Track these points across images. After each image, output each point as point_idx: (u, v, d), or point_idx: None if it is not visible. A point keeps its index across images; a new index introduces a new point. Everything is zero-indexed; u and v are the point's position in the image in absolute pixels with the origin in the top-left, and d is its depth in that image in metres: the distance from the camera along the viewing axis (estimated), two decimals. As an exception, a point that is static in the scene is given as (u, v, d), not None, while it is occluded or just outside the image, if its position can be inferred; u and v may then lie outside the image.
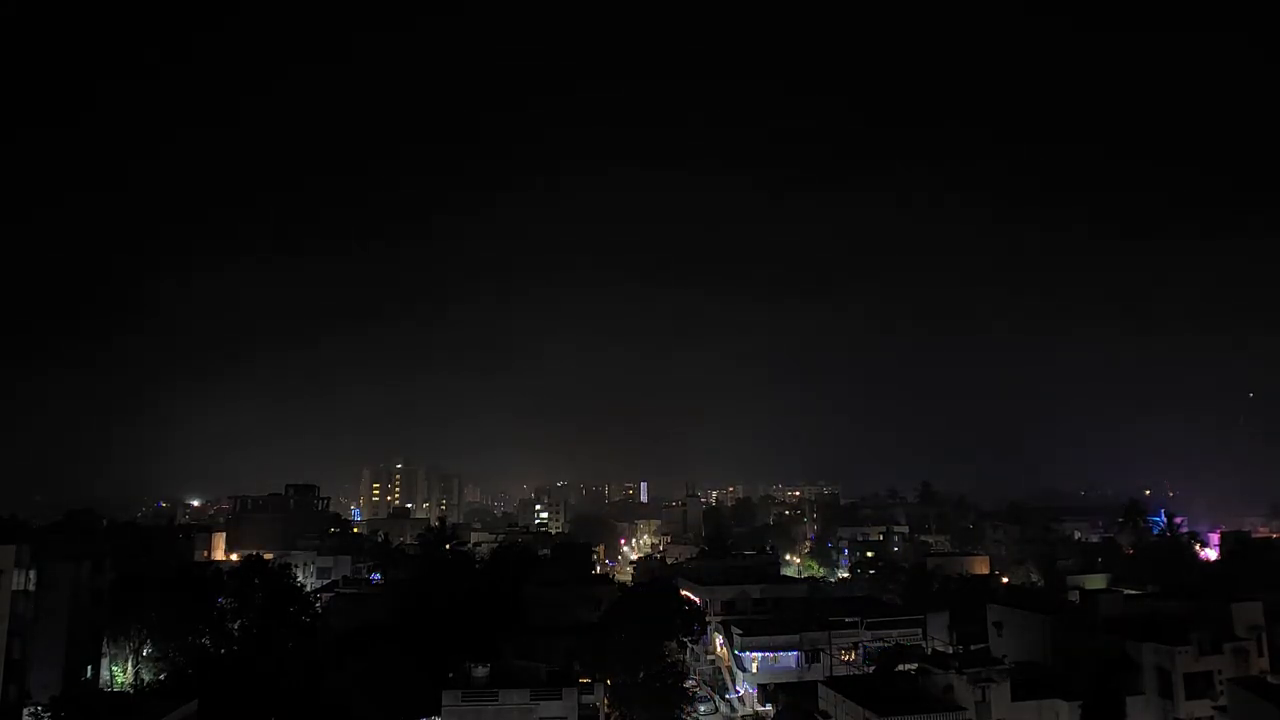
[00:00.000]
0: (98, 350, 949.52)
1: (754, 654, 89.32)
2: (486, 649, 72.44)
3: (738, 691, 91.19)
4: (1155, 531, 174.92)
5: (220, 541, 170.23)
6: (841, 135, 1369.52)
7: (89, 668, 73.97)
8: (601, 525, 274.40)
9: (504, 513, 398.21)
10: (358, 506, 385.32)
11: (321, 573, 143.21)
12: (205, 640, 76.98)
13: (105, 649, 78.46)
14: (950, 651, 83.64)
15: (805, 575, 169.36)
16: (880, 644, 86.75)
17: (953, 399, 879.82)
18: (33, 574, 63.28)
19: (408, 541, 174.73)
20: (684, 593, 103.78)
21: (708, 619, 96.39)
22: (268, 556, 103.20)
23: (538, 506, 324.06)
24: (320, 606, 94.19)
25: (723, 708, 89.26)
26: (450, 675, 65.72)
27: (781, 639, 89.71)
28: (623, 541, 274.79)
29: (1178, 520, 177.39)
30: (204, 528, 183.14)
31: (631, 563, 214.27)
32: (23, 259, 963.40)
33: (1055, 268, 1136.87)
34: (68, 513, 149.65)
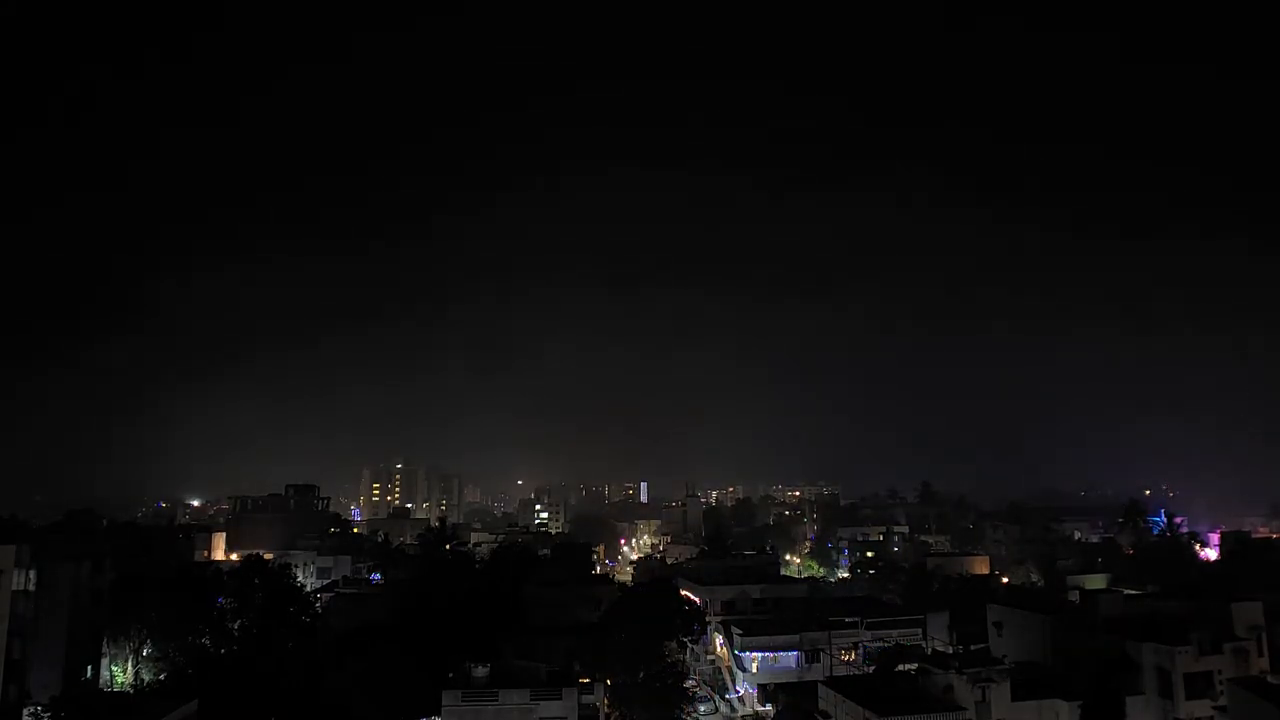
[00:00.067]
0: (98, 350, 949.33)
1: (754, 654, 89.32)
2: (486, 649, 72.44)
3: (738, 691, 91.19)
4: (1155, 531, 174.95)
5: (220, 541, 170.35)
6: (841, 135, 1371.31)
7: (89, 668, 73.96)
8: (601, 525, 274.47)
9: (504, 513, 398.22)
10: (358, 506, 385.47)
11: (321, 573, 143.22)
12: (205, 640, 76.94)
13: (105, 649, 78.44)
14: (950, 651, 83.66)
15: (805, 575, 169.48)
16: (880, 644, 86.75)
17: (953, 399, 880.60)
18: (33, 574, 63.27)
19: (408, 541, 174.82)
20: (684, 593, 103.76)
21: (708, 619, 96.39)
22: (268, 556, 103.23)
23: (538, 506, 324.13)
24: (320, 606, 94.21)
25: (723, 708, 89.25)
26: (450, 675, 65.72)
27: (781, 639, 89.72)
28: (623, 541, 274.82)
29: (1178, 520, 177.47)
30: (204, 528, 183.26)
31: (631, 563, 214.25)
32: (23, 259, 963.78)
33: (1055, 268, 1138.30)
34: (68, 513, 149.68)
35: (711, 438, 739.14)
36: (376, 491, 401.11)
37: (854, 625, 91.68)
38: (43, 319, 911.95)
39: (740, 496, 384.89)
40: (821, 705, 67.99)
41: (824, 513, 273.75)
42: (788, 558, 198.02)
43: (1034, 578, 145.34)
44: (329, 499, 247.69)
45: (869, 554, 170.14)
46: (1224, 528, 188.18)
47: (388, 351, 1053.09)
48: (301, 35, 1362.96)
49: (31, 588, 63.00)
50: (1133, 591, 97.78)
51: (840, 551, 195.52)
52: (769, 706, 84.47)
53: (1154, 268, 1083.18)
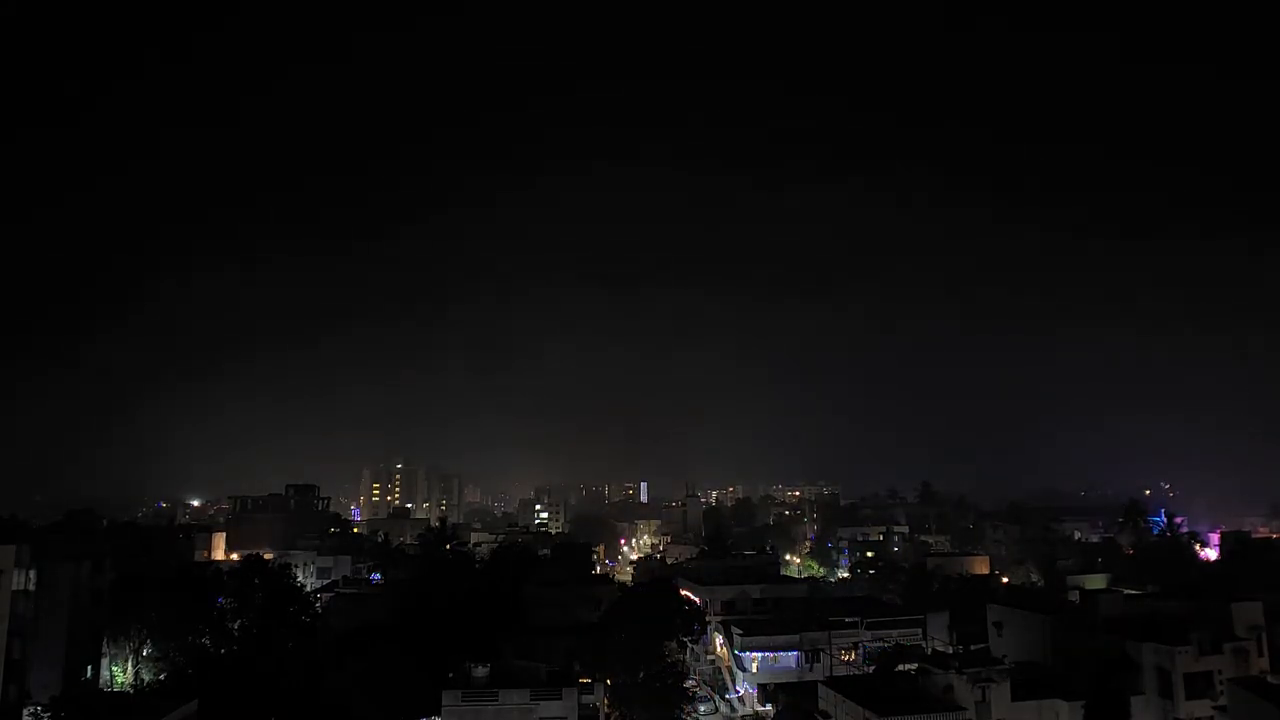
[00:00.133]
0: (98, 350, 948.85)
1: (754, 654, 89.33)
2: (486, 649, 72.45)
3: (738, 691, 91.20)
4: (1155, 531, 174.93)
5: (220, 541, 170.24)
6: (841, 135, 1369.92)
7: (89, 668, 73.97)
8: (601, 525, 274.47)
9: (504, 513, 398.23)
10: (358, 506, 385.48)
11: (321, 573, 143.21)
12: (205, 640, 76.97)
13: (105, 649, 78.44)
14: (950, 651, 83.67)
15: (805, 575, 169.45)
16: (880, 644, 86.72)
17: (953, 399, 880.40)
18: (33, 574, 63.27)
19: (408, 541, 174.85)
20: (684, 593, 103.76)
21: (708, 619, 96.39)
22: (268, 556, 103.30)
23: (538, 506, 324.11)
24: (320, 606, 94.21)
25: (723, 708, 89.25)
26: (450, 675, 65.73)
27: (781, 639, 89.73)
28: (623, 541, 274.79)
29: (1178, 520, 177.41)
30: (204, 528, 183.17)
31: (631, 563, 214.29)
32: (23, 259, 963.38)
33: (1055, 268, 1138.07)
34: (68, 513, 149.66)
35: (711, 438, 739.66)
36: (376, 491, 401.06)
37: (854, 625, 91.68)
38: (43, 319, 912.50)
39: (740, 496, 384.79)
40: (821, 705, 68.00)
41: (824, 513, 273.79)
42: (788, 558, 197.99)
43: (1034, 578, 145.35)
44: (329, 499, 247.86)
45: (869, 554, 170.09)
46: (1224, 528, 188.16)
47: (388, 351, 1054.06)
48: (301, 35, 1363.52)
49: (31, 588, 62.99)
50: (1133, 591, 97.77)
51: (840, 551, 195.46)
52: (769, 706, 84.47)
53: (1154, 268, 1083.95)
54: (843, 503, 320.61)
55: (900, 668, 73.59)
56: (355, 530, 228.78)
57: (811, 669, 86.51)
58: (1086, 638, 70.77)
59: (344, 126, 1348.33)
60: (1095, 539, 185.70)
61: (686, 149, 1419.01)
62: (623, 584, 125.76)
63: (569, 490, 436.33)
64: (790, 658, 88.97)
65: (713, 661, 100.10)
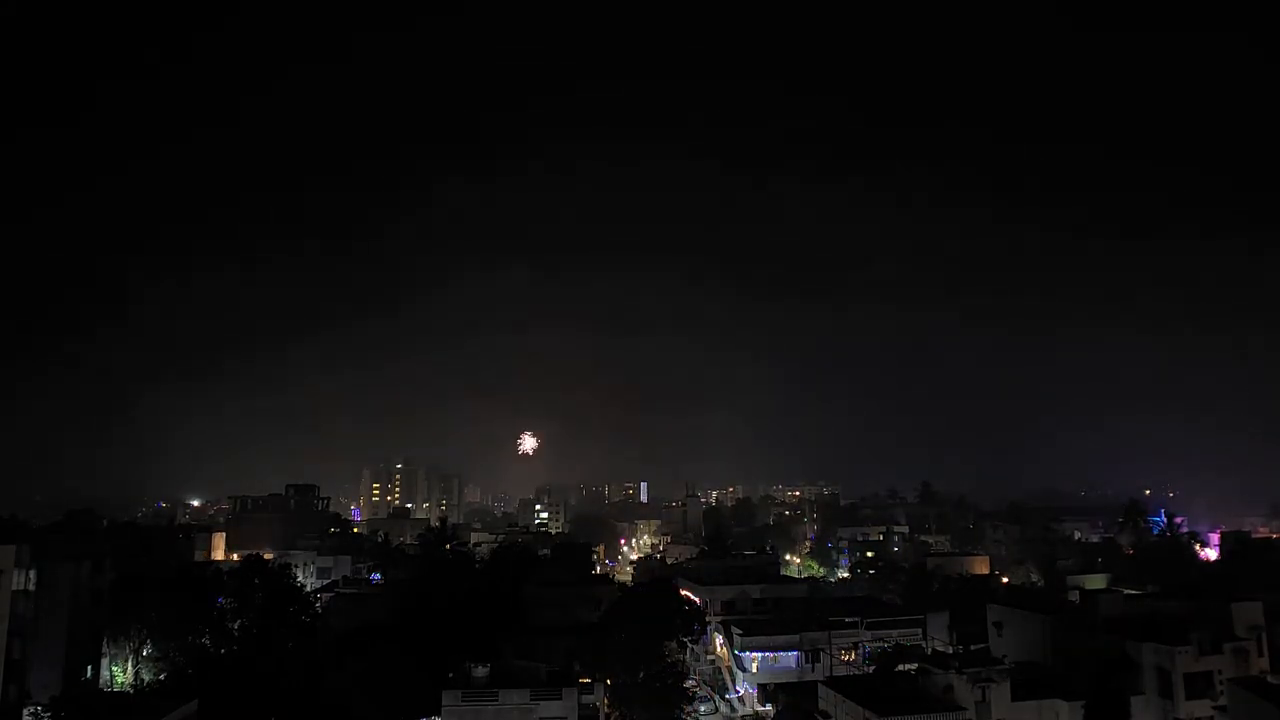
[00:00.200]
0: (98, 350, 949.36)
1: (754, 654, 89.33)
2: (486, 649, 72.44)
3: (738, 691, 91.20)
4: (1155, 531, 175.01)
5: (220, 541, 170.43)
6: (841, 135, 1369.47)
7: (89, 668, 73.98)
8: (601, 525, 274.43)
9: (504, 513, 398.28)
10: (358, 506, 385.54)
11: (321, 573, 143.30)
12: (205, 640, 77.00)
13: (105, 649, 78.47)
14: (950, 651, 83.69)
15: (805, 575, 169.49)
16: (880, 644, 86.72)
17: (953, 399, 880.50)
18: (33, 574, 63.26)
19: (408, 541, 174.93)
20: (684, 593, 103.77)
21: (708, 619, 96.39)
22: (268, 556, 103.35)
23: (538, 506, 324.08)
24: (320, 606, 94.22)
25: (723, 708, 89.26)
26: (450, 675, 65.72)
27: (781, 639, 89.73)
28: (623, 541, 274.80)
29: (1178, 520, 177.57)
30: (204, 528, 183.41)
31: (631, 563, 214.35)
32: (23, 259, 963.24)
33: (1055, 268, 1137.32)
34: (68, 513, 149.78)
35: (711, 438, 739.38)
36: (376, 491, 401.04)
37: (854, 625, 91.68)
38: (43, 319, 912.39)
39: (740, 496, 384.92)
40: (821, 705, 68.00)
41: (824, 513, 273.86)
42: (788, 558, 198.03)
43: (1034, 578, 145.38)
44: (329, 499, 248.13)
45: (869, 554, 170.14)
46: (1224, 528, 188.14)
47: (388, 351, 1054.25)
48: (301, 35, 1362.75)
49: (31, 588, 62.99)
50: (1133, 591, 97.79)
51: (840, 551, 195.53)
52: (769, 706, 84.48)
53: (1154, 268, 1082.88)
54: (843, 503, 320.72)
55: (900, 668, 73.57)
56: (355, 530, 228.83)
57: (811, 669, 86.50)
58: (1086, 638, 70.78)
59: (343, 126, 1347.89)
60: (1095, 539, 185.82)
61: (685, 148, 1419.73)
62: (623, 584, 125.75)
63: (569, 490, 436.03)
64: (790, 658, 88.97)
65: (713, 661, 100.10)
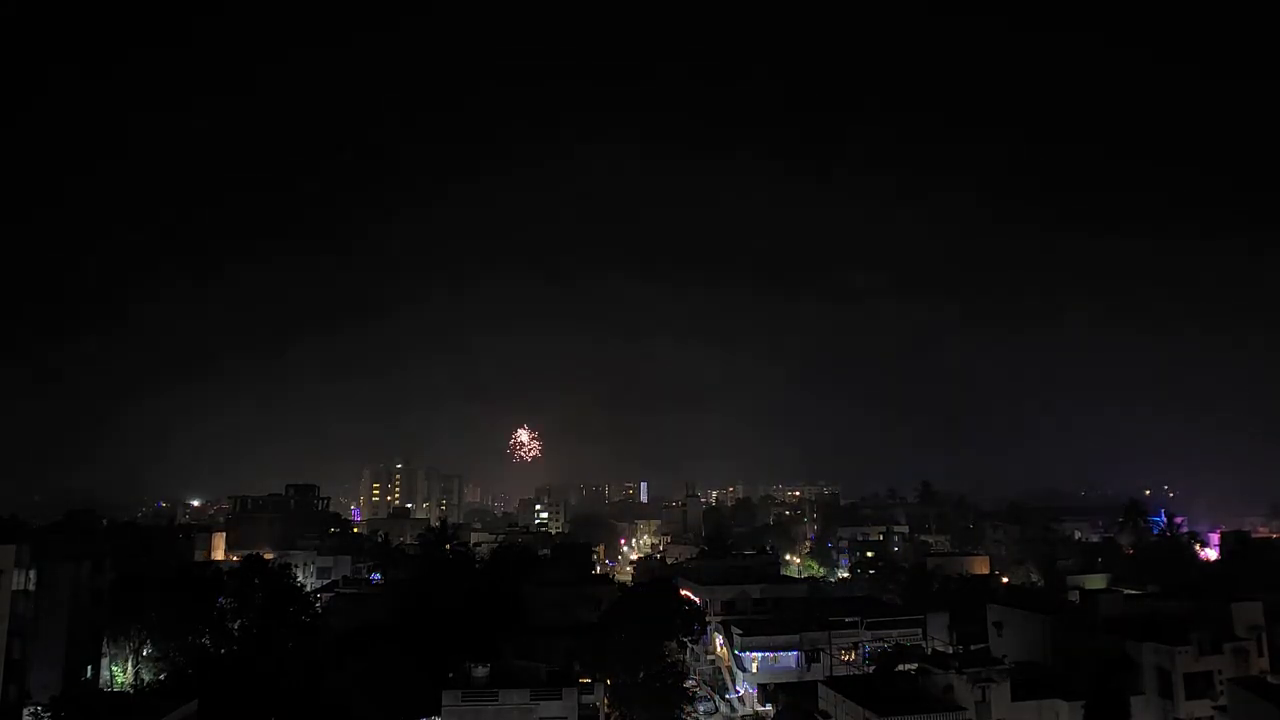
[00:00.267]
0: (98, 350, 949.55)
1: (754, 654, 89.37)
2: (486, 649, 72.46)
3: (738, 691, 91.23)
4: (1155, 531, 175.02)
5: (220, 541, 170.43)
6: (841, 134, 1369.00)
7: (89, 668, 74.00)
8: (601, 525, 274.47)
9: (504, 513, 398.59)
10: (358, 506, 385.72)
11: (321, 573, 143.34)
12: (205, 640, 77.02)
13: (105, 649, 78.50)
14: (950, 651, 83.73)
15: (805, 575, 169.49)
16: (880, 644, 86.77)
17: (953, 399, 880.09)
18: (33, 574, 63.28)
19: (408, 541, 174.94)
20: (684, 593, 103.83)
21: (708, 619, 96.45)
22: (268, 556, 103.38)
23: (538, 506, 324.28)
24: (320, 606, 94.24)
25: (723, 708, 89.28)
26: (450, 675, 65.76)
27: (781, 639, 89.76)
28: (623, 541, 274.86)
29: (1178, 520, 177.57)
30: (204, 528, 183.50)
31: (631, 563, 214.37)
32: (23, 258, 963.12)
33: (1055, 268, 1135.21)
34: (68, 513, 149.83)
35: (711, 438, 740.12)
36: (376, 491, 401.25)
37: (854, 625, 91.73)
38: (43, 318, 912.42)
39: (740, 496, 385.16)
40: (821, 705, 68.04)
41: (824, 513, 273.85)
42: (788, 558, 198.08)
43: (1034, 578, 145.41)
44: (329, 499, 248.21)
45: (869, 554, 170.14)
46: (1224, 528, 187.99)
47: (388, 350, 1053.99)
48: (299, 32, 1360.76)
49: (31, 588, 63.01)
50: (1133, 591, 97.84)
51: (840, 551, 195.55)
52: (769, 706, 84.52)
53: (1154, 268, 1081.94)
54: (843, 503, 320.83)
55: (900, 668, 73.60)
56: (355, 530, 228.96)
57: (811, 669, 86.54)
58: (1086, 638, 70.80)
59: (340, 121, 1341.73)
60: (1095, 539, 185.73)
61: (686, 148, 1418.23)
62: (623, 584, 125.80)
63: (569, 490, 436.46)
64: (790, 658, 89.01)
65: (713, 661, 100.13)
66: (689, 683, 78.93)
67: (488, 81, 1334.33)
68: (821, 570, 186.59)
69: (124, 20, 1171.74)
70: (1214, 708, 61.55)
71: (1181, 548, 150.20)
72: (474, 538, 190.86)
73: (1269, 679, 62.27)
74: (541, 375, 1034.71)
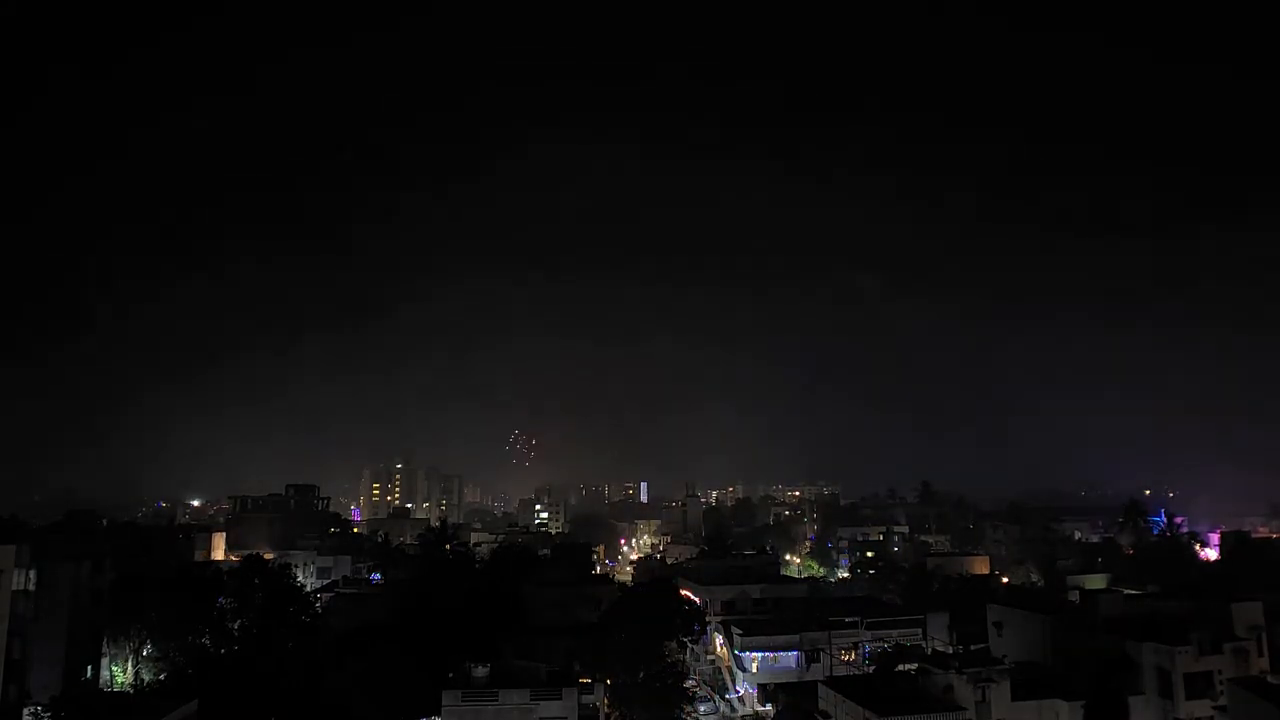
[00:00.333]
0: (97, 349, 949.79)
1: (754, 654, 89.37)
2: (486, 649, 72.48)
3: (738, 691, 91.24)
4: (1155, 531, 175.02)
5: (220, 541, 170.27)
6: (841, 134, 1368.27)
7: (89, 668, 74.00)
8: (601, 525, 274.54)
9: (504, 513, 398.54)
10: (358, 506, 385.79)
11: (321, 573, 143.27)
12: (205, 640, 77.02)
13: (105, 649, 78.50)
14: (950, 651, 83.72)
15: (805, 575, 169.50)
16: (880, 644, 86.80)
17: (953, 398, 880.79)
18: (33, 574, 63.23)
19: (408, 541, 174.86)
20: (684, 593, 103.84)
21: (708, 619, 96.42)
22: (268, 556, 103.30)
23: (538, 506, 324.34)
24: (320, 606, 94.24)
25: (723, 708, 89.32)
26: (450, 675, 65.77)
27: (781, 639, 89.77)
28: (623, 541, 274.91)
29: (1178, 520, 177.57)
30: (204, 528, 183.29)
31: (631, 563, 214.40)
32: (23, 258, 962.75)
33: (1055, 268, 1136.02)
34: (68, 513, 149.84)
35: (711, 438, 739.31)
36: (376, 491, 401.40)
37: (854, 625, 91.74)
38: (42, 317, 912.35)
39: (740, 496, 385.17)
40: (821, 705, 68.03)
41: (824, 513, 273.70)
42: (788, 558, 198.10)
43: (1034, 578, 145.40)
44: (329, 499, 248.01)
45: (869, 554, 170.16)
46: (1224, 528, 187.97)
47: (388, 349, 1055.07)
48: (297, 32, 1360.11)
49: (31, 588, 62.97)
50: (1133, 591, 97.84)
51: (840, 551, 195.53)
52: (769, 706, 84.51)
53: (1154, 268, 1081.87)
54: (843, 503, 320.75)
55: (900, 668, 73.62)
56: (355, 530, 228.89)
57: (811, 669, 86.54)
58: (1086, 638, 70.79)
59: (338, 116, 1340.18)
60: (1095, 539, 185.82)
61: (685, 148, 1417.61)
62: (623, 584, 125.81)
63: (569, 490, 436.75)
64: (790, 658, 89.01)
65: (713, 661, 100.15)
66: (689, 683, 78.95)
67: (488, 81, 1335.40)
68: (821, 570, 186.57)
69: (124, 20, 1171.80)
70: (1214, 708, 61.53)
71: (1181, 548, 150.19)
72: (474, 538, 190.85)
73: (1269, 679, 62.25)
74: (542, 375, 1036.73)
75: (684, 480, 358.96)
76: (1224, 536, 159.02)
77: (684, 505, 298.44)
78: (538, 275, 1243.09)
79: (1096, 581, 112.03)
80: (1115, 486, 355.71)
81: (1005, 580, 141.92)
